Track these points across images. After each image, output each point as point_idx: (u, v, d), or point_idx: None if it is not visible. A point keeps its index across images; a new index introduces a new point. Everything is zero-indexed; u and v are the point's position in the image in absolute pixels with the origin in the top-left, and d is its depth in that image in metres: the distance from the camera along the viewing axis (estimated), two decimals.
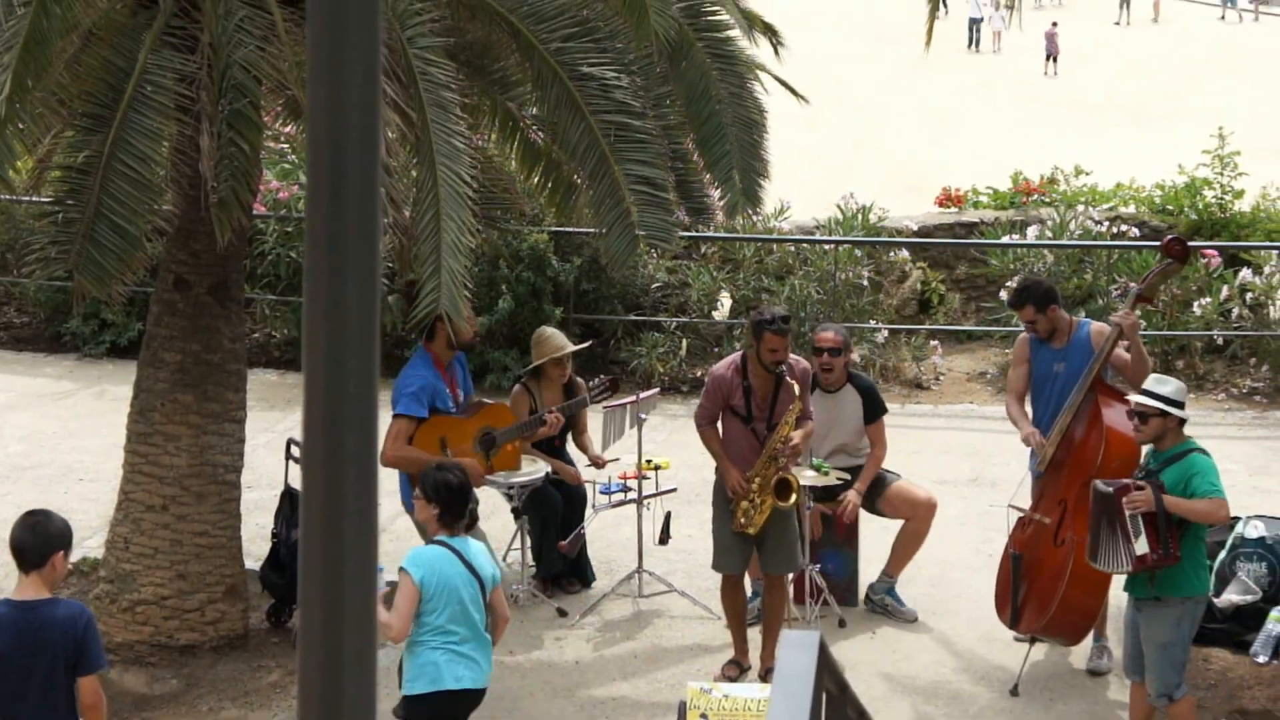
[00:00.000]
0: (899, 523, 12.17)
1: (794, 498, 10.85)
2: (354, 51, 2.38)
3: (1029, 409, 11.40)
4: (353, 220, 2.39)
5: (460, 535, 8.86)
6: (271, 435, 15.25)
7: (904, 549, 12.12)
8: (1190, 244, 16.76)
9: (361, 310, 2.40)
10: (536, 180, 11.96)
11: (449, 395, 10.60)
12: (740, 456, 10.94)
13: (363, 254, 2.39)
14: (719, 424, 11.08)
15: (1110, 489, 9.51)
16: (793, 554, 11.09)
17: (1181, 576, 9.54)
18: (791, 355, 10.94)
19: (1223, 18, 78.52)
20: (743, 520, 10.88)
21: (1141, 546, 9.44)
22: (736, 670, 11.06)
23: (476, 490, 9.35)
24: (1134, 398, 9.65)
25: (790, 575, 11.37)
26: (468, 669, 8.78)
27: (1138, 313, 11.06)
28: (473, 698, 8.94)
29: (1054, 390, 11.10)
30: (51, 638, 7.79)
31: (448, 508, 8.82)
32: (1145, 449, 9.95)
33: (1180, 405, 9.61)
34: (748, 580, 11.59)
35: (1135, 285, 11.40)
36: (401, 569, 8.68)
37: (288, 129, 12.44)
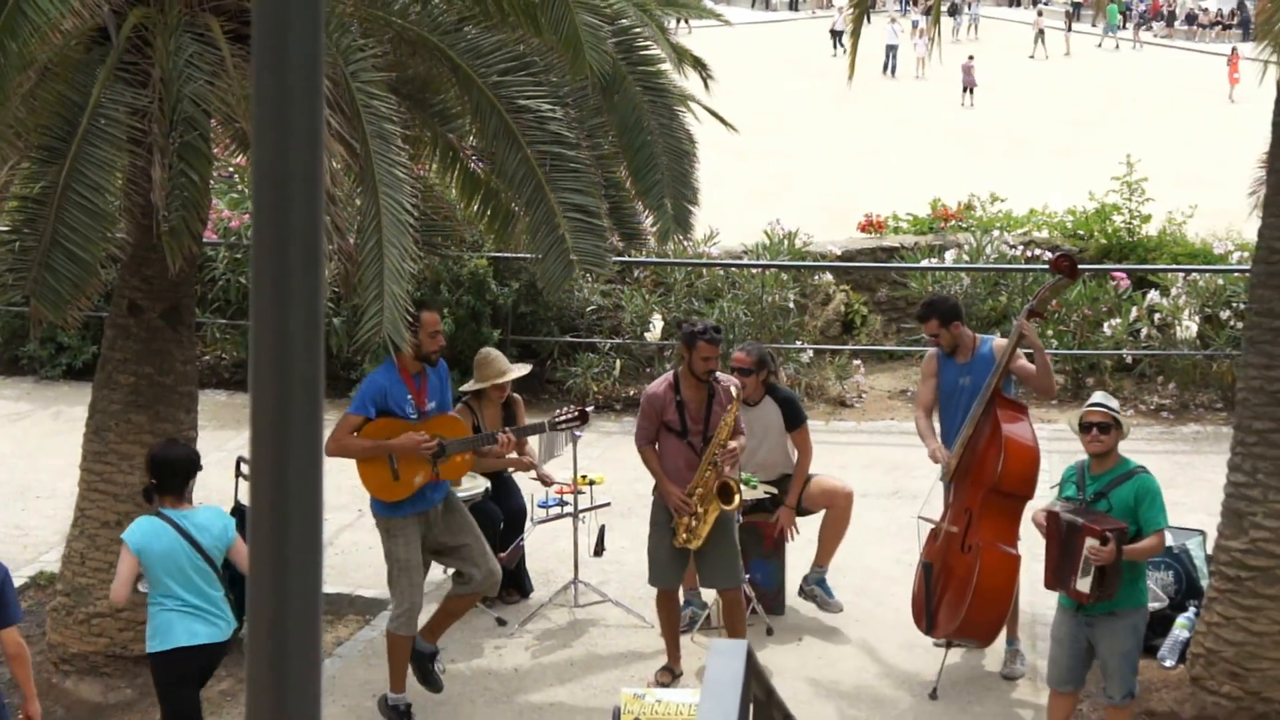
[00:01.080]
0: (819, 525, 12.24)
1: (737, 499, 10.85)
2: (298, 85, 2.39)
3: (937, 423, 11.47)
4: (297, 246, 2.40)
5: (184, 508, 9.27)
6: (222, 454, 15.17)
7: (829, 538, 12.19)
8: (1086, 265, 16.93)
9: (306, 332, 2.41)
10: (476, 208, 11.96)
11: (409, 402, 10.57)
12: (678, 472, 10.92)
13: (306, 279, 2.40)
14: (657, 444, 11.07)
15: (1076, 523, 9.47)
16: (733, 568, 11.05)
17: (1134, 589, 9.59)
18: (720, 374, 10.96)
19: (1099, 45, 79.34)
20: (685, 535, 10.87)
21: (1084, 586, 9.48)
22: (669, 676, 11.07)
23: None
24: (1097, 407, 9.65)
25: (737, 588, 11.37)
26: (203, 625, 9.19)
27: (1032, 326, 11.17)
28: (211, 651, 9.31)
29: (960, 403, 11.18)
30: None
31: (163, 481, 9.28)
32: (1073, 464, 9.95)
33: None
34: (681, 591, 11.61)
35: (1029, 303, 11.51)
36: (122, 538, 9.20)
37: (238, 159, 12.43)
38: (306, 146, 2.41)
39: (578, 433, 12.34)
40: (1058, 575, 9.64)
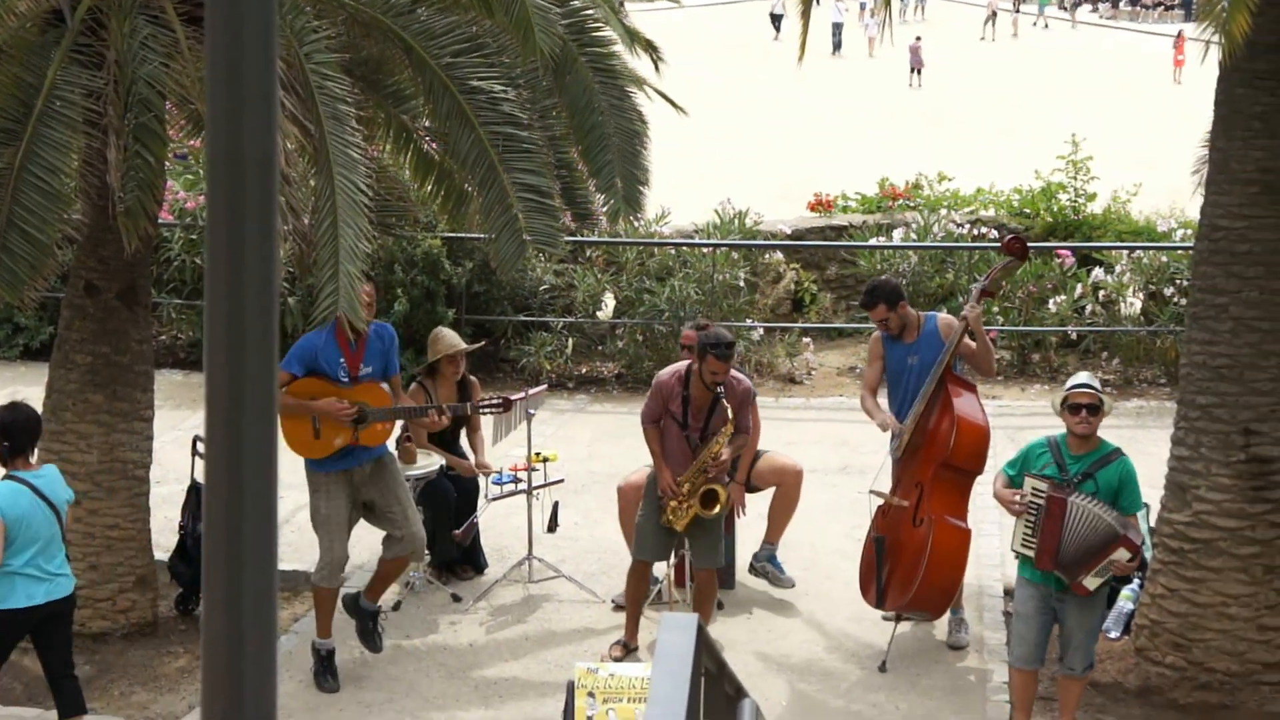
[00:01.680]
0: (769, 504, 12.26)
1: (718, 509, 10.90)
2: (252, 66, 2.39)
3: (884, 403, 11.50)
4: (251, 226, 2.39)
5: (33, 468, 9.41)
6: (178, 433, 15.14)
7: (779, 516, 12.23)
8: (1032, 243, 17.00)
9: (260, 312, 2.41)
10: (429, 189, 11.93)
11: (342, 366, 10.61)
12: (674, 458, 10.98)
13: (261, 259, 2.39)
14: (660, 423, 11.10)
15: (1116, 532, 9.47)
16: (715, 550, 11.13)
17: None
18: (735, 374, 10.98)
19: (1034, 24, 79.69)
20: (670, 517, 10.93)
21: (1092, 585, 9.56)
22: (622, 650, 11.09)
23: None
24: (1085, 388, 9.64)
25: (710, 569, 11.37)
26: (43, 586, 9.30)
27: (982, 307, 11.22)
28: (53, 608, 9.41)
29: (909, 382, 11.22)
30: None
31: (15, 443, 9.38)
32: (1039, 441, 9.95)
33: None
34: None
35: (980, 282, 11.54)
36: None
37: (193, 142, 12.38)
38: (261, 127, 2.41)
39: (531, 410, 12.35)
40: (1044, 555, 9.60)
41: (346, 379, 10.62)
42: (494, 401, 11.77)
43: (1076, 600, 9.66)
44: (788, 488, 12.20)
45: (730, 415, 10.81)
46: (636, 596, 11.26)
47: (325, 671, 10.89)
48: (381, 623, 11.16)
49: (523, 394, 12.43)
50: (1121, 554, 9.45)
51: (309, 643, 11.35)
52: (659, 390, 11.04)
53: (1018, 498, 9.71)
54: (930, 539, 10.67)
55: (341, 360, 10.64)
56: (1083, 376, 9.88)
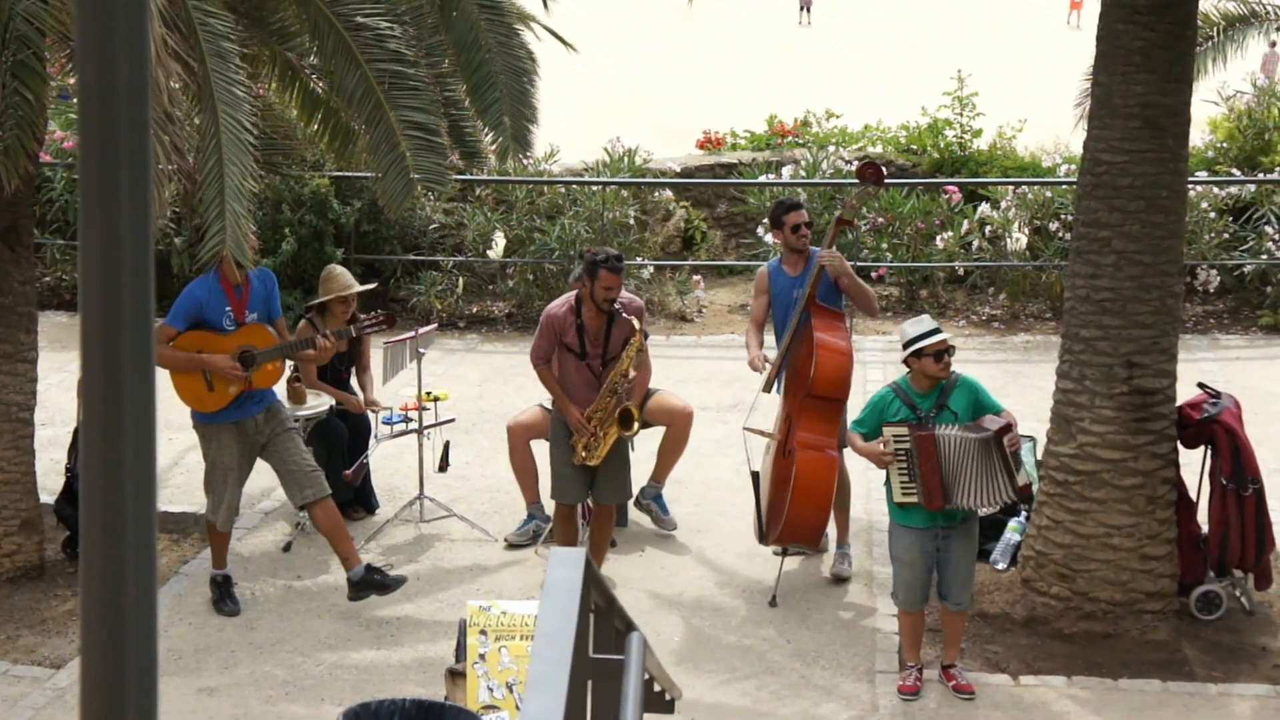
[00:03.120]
0: (660, 439, 12.28)
1: (636, 426, 10.86)
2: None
3: (771, 338, 11.55)
4: (125, 160, 2.35)
5: None
6: (64, 375, 14.99)
7: (667, 456, 12.25)
8: (911, 179, 17.11)
9: (135, 250, 2.37)
10: (316, 127, 11.85)
11: (228, 314, 10.53)
12: (576, 392, 10.88)
13: (135, 195, 2.36)
14: (553, 362, 11.01)
15: (989, 431, 9.51)
16: (624, 485, 11.12)
17: None
18: (625, 294, 10.92)
19: None
20: (584, 454, 10.86)
21: (1024, 478, 9.62)
22: None
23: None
24: (938, 335, 9.68)
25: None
26: None
27: (841, 239, 11.24)
28: None
29: (793, 314, 11.26)
30: None
31: None
32: (882, 392, 10.02)
33: None
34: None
35: (837, 213, 11.60)
36: None
37: (72, 80, 12.20)
38: (132, 59, 2.36)
39: (422, 350, 12.30)
40: (933, 495, 9.61)
41: (234, 326, 10.55)
42: (377, 318, 11.65)
43: (959, 534, 9.75)
44: (677, 429, 12.21)
45: (637, 325, 10.73)
46: (567, 541, 11.11)
47: (224, 597, 11.04)
48: (384, 567, 11.14)
49: (413, 333, 12.39)
50: (1008, 438, 9.51)
51: (199, 586, 11.30)
52: (550, 325, 10.92)
53: (881, 447, 9.76)
54: (794, 468, 10.72)
55: (227, 308, 10.56)
56: (925, 322, 9.88)
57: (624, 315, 10.75)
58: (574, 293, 10.98)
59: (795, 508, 10.72)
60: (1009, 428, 9.57)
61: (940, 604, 10.03)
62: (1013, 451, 9.54)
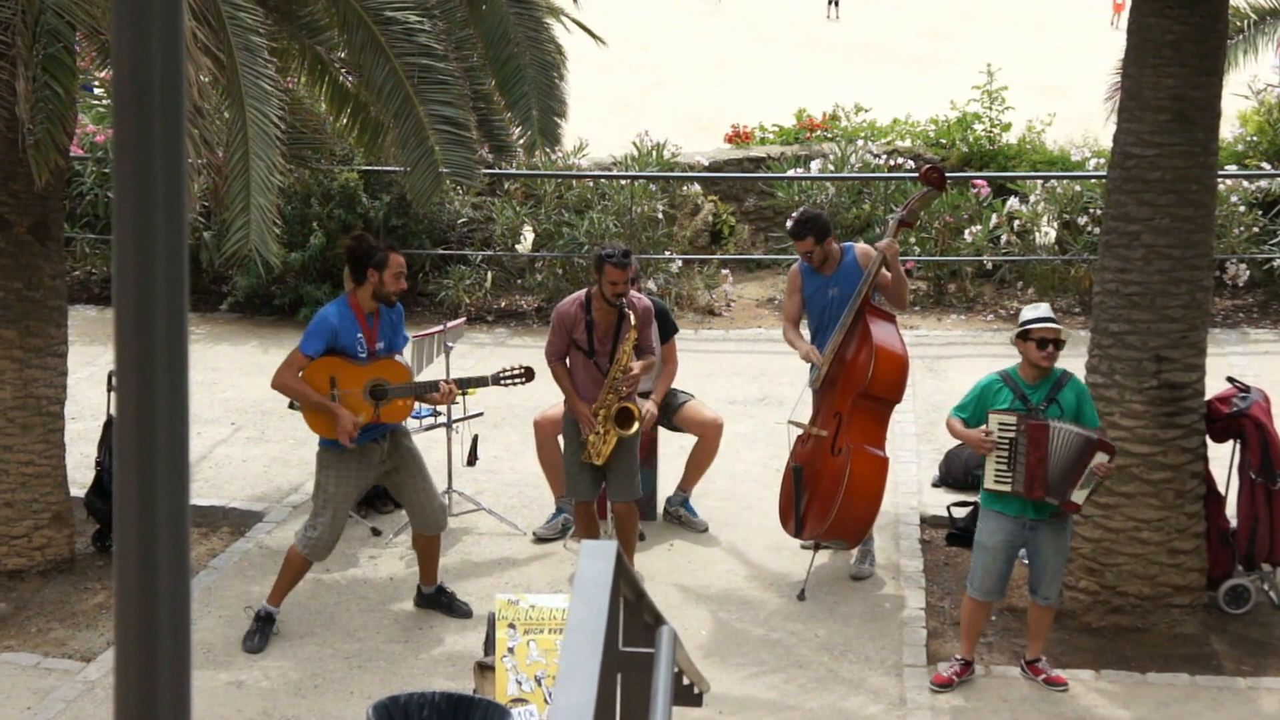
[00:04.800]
0: (693, 442, 12.25)
1: (635, 426, 10.82)
2: None
3: (805, 334, 11.53)
4: (159, 152, 2.36)
5: None
6: (93, 369, 15.05)
7: (695, 466, 12.24)
8: (949, 173, 17.07)
9: (170, 244, 2.38)
10: (345, 121, 11.87)
11: (360, 342, 10.29)
12: (585, 389, 10.86)
13: (169, 191, 2.37)
14: (567, 359, 11.01)
15: (1091, 437, 9.49)
16: (634, 482, 11.00)
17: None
18: (635, 294, 10.91)
19: None
20: (590, 451, 10.86)
21: (1079, 498, 9.57)
22: None
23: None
24: (1049, 323, 9.65)
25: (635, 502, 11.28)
26: None
27: (899, 238, 11.23)
28: None
29: (830, 313, 11.22)
30: None
31: None
32: (991, 377, 9.95)
33: None
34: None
35: (898, 212, 11.56)
36: None
37: (103, 73, 12.26)
38: (167, 54, 2.37)
39: (450, 344, 12.31)
40: (1035, 485, 9.55)
41: (365, 355, 10.37)
42: (515, 372, 11.36)
43: (1049, 528, 9.71)
44: (707, 440, 12.18)
45: (633, 320, 10.69)
46: (589, 537, 11.03)
47: (257, 634, 10.54)
48: (449, 590, 11.08)
49: (442, 327, 12.40)
50: (1100, 458, 9.49)
51: (228, 579, 11.33)
52: (560, 322, 10.88)
53: (984, 434, 9.73)
54: (848, 468, 10.73)
55: (359, 336, 10.37)
56: (1043, 309, 9.84)
57: (638, 305, 10.75)
58: (584, 290, 10.98)
59: (846, 507, 10.72)
60: (1111, 450, 9.56)
61: (1029, 598, 10.03)
62: (1093, 472, 9.50)
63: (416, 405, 12.30)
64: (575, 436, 10.95)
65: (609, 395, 10.77)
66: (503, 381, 11.05)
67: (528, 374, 11.07)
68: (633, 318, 10.67)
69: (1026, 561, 10.11)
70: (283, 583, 10.61)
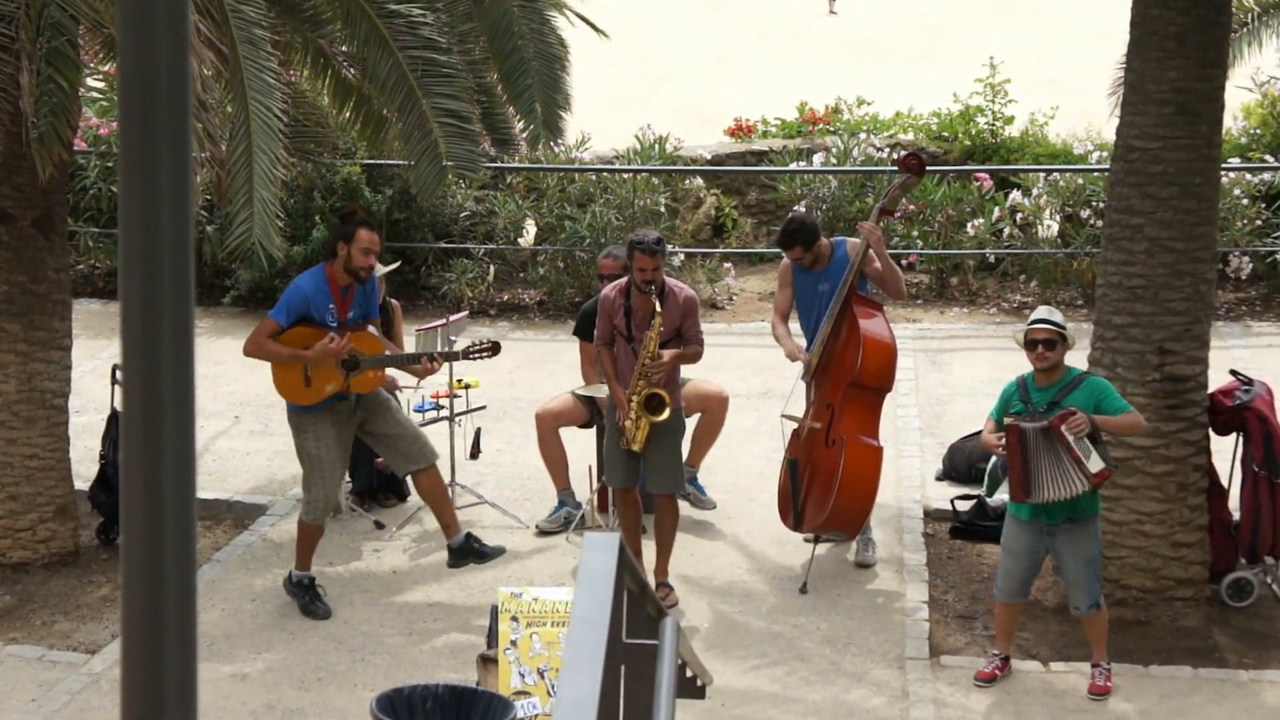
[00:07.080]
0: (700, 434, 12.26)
1: (666, 412, 10.77)
2: None
3: (796, 328, 11.52)
4: (164, 148, 2.37)
5: None
6: (97, 362, 15.04)
7: (702, 440, 12.23)
8: (946, 166, 17.04)
9: (175, 238, 2.38)
10: (348, 114, 11.87)
11: (332, 311, 10.52)
12: (626, 375, 10.85)
13: (174, 183, 2.37)
14: (613, 346, 10.96)
15: (1042, 424, 9.48)
16: (674, 474, 10.92)
17: (1092, 494, 9.67)
18: (675, 283, 10.93)
19: None
20: (626, 438, 10.81)
21: (1096, 464, 9.47)
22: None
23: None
24: (1042, 324, 9.63)
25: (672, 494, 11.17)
26: None
27: (881, 225, 11.24)
28: None
29: (821, 307, 11.21)
30: None
31: None
32: (1012, 381, 9.92)
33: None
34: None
35: (879, 202, 11.57)
36: None
37: (106, 67, 12.25)
38: (172, 48, 2.37)
39: (453, 337, 12.31)
40: (1017, 488, 9.62)
41: (335, 325, 10.52)
42: (483, 347, 11.60)
43: (1066, 534, 9.69)
44: (712, 414, 12.20)
45: (659, 307, 10.65)
46: (628, 525, 11.01)
47: (314, 599, 10.86)
48: (476, 537, 11.28)
49: (444, 320, 12.40)
50: (1063, 426, 9.42)
51: (232, 572, 11.34)
52: (603, 308, 10.93)
53: (995, 440, 9.77)
54: (843, 458, 10.74)
55: (331, 306, 10.53)
56: (1042, 311, 9.86)
57: (680, 295, 10.79)
58: (627, 278, 10.97)
59: (843, 498, 10.74)
60: (1069, 415, 9.50)
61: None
62: (1076, 437, 9.44)
63: (419, 400, 12.35)
64: (615, 422, 10.96)
65: (639, 382, 10.75)
66: (471, 356, 11.54)
67: (494, 348, 11.67)
68: (658, 305, 10.66)
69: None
70: (304, 551, 10.92)
